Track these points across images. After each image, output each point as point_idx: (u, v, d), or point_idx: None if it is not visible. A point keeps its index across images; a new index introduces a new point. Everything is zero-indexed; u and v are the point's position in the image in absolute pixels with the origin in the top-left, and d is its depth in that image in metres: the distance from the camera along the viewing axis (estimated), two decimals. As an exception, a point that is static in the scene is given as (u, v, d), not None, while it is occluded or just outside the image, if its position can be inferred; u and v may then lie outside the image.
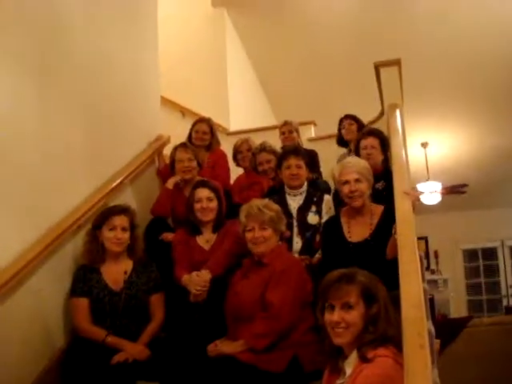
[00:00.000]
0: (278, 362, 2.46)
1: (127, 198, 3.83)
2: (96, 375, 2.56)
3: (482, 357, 5.56)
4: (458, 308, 10.50)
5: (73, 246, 3.18)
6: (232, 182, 4.65)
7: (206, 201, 3.27)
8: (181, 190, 3.91)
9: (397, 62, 4.43)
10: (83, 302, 2.89)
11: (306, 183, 3.59)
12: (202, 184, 3.39)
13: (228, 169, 4.61)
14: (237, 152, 4.65)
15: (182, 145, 4.06)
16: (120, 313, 2.88)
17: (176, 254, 3.26)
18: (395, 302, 2.35)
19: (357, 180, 2.96)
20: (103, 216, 3.08)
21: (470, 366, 5.50)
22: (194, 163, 3.93)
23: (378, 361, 1.83)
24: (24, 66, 2.94)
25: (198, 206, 3.29)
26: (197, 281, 2.98)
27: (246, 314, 2.64)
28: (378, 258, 2.76)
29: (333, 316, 1.96)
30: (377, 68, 4.50)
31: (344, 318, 1.94)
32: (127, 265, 3.06)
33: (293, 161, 3.54)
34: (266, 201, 2.96)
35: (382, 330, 1.92)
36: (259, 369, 2.41)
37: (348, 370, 1.94)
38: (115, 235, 3.00)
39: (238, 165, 4.68)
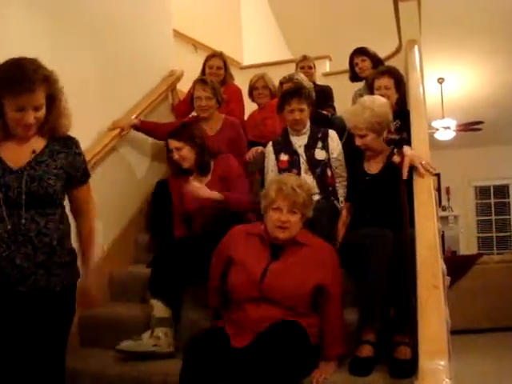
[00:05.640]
0: None
1: (142, 135, 3.84)
2: None
3: (490, 292, 5.68)
4: (467, 245, 10.61)
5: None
6: (246, 117, 4.61)
7: (175, 151, 3.19)
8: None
9: (416, -4, 4.28)
10: None
11: (308, 122, 3.51)
12: (171, 135, 3.26)
13: (243, 104, 4.55)
14: (253, 88, 4.52)
15: (201, 81, 3.86)
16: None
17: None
18: (409, 240, 2.39)
19: (362, 136, 2.93)
20: None
21: (477, 300, 5.63)
22: (213, 101, 3.78)
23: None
24: (36, 3, 2.89)
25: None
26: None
27: (281, 297, 2.36)
28: (384, 194, 2.83)
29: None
30: (395, 2, 4.34)
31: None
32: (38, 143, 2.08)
33: (295, 104, 3.39)
34: (301, 180, 2.65)
35: None
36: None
37: None
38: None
39: (253, 101, 4.59)
